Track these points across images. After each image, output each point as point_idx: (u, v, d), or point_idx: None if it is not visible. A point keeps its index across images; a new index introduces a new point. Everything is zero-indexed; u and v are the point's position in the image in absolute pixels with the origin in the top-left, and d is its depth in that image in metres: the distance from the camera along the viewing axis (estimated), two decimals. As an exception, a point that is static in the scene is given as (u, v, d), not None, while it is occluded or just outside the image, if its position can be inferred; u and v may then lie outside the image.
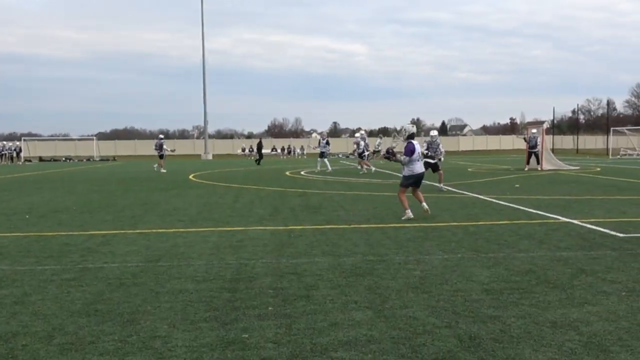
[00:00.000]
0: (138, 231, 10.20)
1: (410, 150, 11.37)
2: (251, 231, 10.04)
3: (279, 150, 73.89)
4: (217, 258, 7.76)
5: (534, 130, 30.25)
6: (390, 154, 12.00)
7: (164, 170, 31.30)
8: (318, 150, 31.02)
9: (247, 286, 6.26)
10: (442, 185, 17.79)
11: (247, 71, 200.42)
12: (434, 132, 18.90)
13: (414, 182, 11.65)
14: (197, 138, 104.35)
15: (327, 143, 30.76)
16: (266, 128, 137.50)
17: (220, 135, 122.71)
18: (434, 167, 17.69)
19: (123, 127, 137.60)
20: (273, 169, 34.59)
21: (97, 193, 18.50)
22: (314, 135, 30.00)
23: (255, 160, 44.33)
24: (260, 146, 46.08)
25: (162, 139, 33.01)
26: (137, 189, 20.06)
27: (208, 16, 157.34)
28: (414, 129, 11.85)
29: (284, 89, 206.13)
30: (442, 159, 18.49)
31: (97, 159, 66.33)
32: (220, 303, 5.63)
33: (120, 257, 7.88)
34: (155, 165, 33.15)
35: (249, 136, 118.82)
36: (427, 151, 17.59)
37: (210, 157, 66.49)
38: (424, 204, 11.72)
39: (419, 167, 11.62)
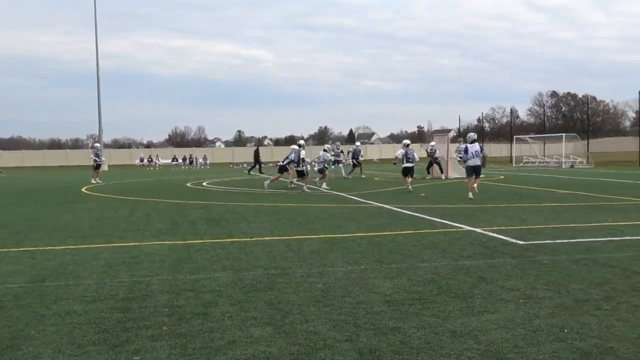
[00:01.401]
0: (23, 249, 9.78)
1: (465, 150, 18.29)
2: (147, 246, 9.84)
3: (180, 160, 72.76)
4: (109, 276, 7.55)
5: (433, 143, 31.54)
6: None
7: (100, 181, 30.55)
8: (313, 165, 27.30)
9: (141, 305, 6.13)
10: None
11: (148, 77, 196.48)
12: (407, 141, 22.98)
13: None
14: (92, 147, 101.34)
15: (342, 151, 32.46)
16: (167, 137, 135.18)
17: (117, 145, 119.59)
18: (409, 172, 21.60)
19: (9, 136, 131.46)
20: (173, 180, 34.04)
21: (-22, 208, 17.60)
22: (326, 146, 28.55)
23: (250, 170, 42.81)
24: (257, 153, 43.80)
25: (97, 148, 32.26)
26: (24, 204, 19.25)
27: (105, 19, 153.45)
28: (473, 136, 18.53)
29: (187, 96, 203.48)
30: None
31: (-21, 171, 63.07)
32: (110, 324, 5.48)
33: (1, 278, 7.54)
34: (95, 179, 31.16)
35: (149, 145, 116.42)
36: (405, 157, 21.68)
37: (105, 167, 64.66)
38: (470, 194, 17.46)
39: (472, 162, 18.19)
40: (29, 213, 15.92)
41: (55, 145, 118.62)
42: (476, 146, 18.37)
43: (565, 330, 5.10)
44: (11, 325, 5.50)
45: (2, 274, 7.82)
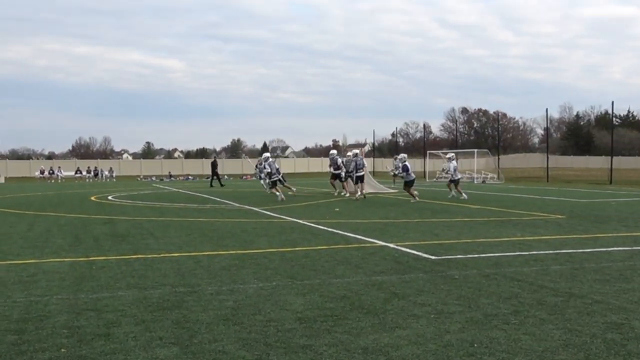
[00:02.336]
0: None
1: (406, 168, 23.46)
2: (46, 264, 9.48)
3: (84, 173, 70.63)
4: (3, 296, 7.22)
5: (349, 153, 31.84)
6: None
7: None
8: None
9: (38, 326, 5.89)
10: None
11: (50, 85, 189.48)
12: (404, 155, 26.02)
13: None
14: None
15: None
16: (70, 148, 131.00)
17: (16, 156, 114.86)
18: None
19: None
20: (77, 194, 33.00)
21: None
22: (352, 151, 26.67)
23: (212, 182, 41.68)
24: (214, 165, 43.02)
25: None
26: None
27: (3, 22, 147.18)
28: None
29: (92, 106, 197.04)
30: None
31: None
32: (3, 348, 5.24)
33: None
34: None
35: (50, 156, 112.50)
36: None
37: (1, 180, 62.08)
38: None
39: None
40: None
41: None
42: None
43: (475, 345, 5.24)
44: None
45: None
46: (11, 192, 35.11)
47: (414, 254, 10.30)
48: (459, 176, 26.54)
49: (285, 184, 26.82)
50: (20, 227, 15.07)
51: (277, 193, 24.38)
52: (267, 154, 26.71)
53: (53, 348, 5.22)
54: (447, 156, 26.90)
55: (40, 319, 6.17)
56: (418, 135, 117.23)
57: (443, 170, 33.01)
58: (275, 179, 24.91)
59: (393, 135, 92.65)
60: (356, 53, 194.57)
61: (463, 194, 25.01)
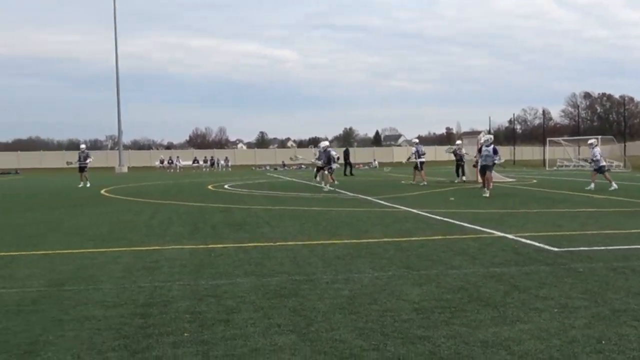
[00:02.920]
0: (40, 252, 9.90)
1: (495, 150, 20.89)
2: (168, 251, 9.91)
3: (201, 162, 73.15)
4: (129, 281, 7.61)
5: (459, 142, 31.34)
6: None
7: (89, 184, 30.64)
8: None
9: (162, 311, 6.17)
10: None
11: (168, 77, 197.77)
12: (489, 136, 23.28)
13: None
14: (111, 149, 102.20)
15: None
16: (187, 138, 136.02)
17: (137, 146, 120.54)
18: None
19: (27, 137, 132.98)
20: (194, 183, 34.24)
21: (-4, 210, 17.86)
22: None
23: (345, 171, 42.40)
24: (347, 155, 44.20)
25: (84, 150, 32.14)
26: (42, 205, 19.49)
27: (123, 17, 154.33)
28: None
29: (207, 97, 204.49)
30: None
31: (-3, 172, 64.03)
32: (131, 330, 5.52)
33: (19, 282, 7.63)
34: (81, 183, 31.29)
35: (169, 147, 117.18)
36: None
37: (125, 169, 65.31)
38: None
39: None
40: (45, 215, 16.12)
41: (73, 146, 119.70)
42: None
43: (603, 342, 5.03)
44: (29, 330, 5.56)
45: (19, 277, 7.92)
46: (134, 181, 36.89)
47: (534, 245, 10.00)
48: (604, 163, 25.00)
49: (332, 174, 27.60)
50: (143, 215, 15.81)
51: (330, 181, 26.01)
52: (326, 142, 28.11)
53: (177, 332, 5.45)
54: (589, 142, 25.56)
55: (164, 304, 6.45)
56: (537, 122, 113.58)
57: (586, 159, 31.62)
58: (334, 166, 27.06)
59: (510, 122, 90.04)
60: (470, 38, 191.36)
61: (613, 184, 22.83)
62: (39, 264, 8.88)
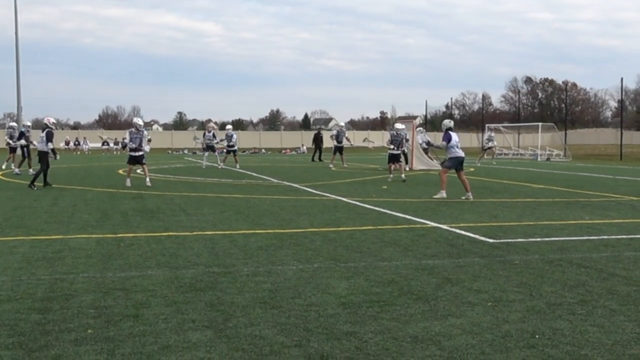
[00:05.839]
0: None
1: (448, 138, 16.53)
2: (72, 240, 9.70)
3: (111, 144, 71.71)
4: (27, 273, 7.42)
5: (399, 125, 31.88)
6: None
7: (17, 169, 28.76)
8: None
9: (63, 306, 6.05)
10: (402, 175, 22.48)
11: (76, 49, 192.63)
12: (400, 126, 24.24)
13: (459, 163, 16.64)
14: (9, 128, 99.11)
15: (214, 136, 31.74)
16: (97, 118, 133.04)
17: (39, 126, 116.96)
18: (396, 158, 22.99)
19: None
20: (103, 167, 33.58)
21: None
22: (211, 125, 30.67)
23: (313, 157, 41.98)
24: (318, 138, 43.18)
25: (14, 128, 30.68)
26: None
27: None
28: (451, 124, 17.12)
29: (120, 73, 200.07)
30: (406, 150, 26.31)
31: None
32: (27, 327, 5.39)
33: None
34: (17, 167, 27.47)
35: (76, 127, 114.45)
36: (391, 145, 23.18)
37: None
38: (469, 194, 16.19)
39: (460, 152, 16.72)
40: None
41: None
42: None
43: (537, 336, 5.21)
44: None
45: None
46: (35, 164, 35.85)
47: (469, 236, 10.24)
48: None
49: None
50: (44, 201, 15.41)
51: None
52: (140, 120, 26.02)
53: (79, 329, 5.35)
54: (418, 128, 29.47)
55: (66, 298, 6.32)
56: (476, 107, 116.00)
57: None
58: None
59: (447, 107, 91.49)
60: (408, 16, 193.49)
61: (402, 176, 22.78)
62: None
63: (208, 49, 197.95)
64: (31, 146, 25.26)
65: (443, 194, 16.38)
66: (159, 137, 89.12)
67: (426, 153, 31.36)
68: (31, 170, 24.39)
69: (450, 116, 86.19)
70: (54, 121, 22.70)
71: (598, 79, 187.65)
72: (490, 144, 41.21)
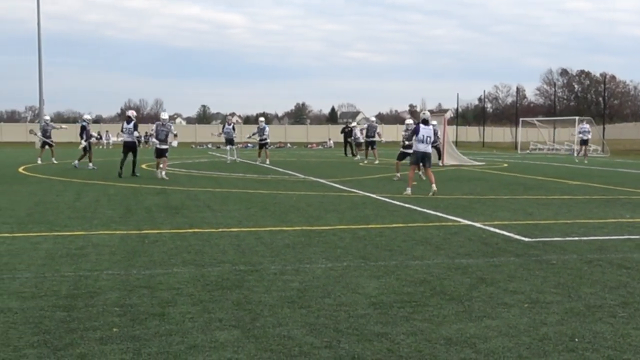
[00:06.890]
0: (-52, 237, 9.69)
1: (415, 131, 16.66)
2: (95, 236, 9.79)
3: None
4: (51, 269, 7.50)
5: (409, 121, 31.96)
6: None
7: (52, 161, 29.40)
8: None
9: (88, 303, 6.10)
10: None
11: (99, 42, 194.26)
12: (409, 121, 22.94)
13: (418, 158, 16.77)
14: (31, 122, 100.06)
15: (234, 128, 32.38)
16: (119, 111, 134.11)
17: (61, 119, 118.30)
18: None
19: None
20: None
21: None
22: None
23: (346, 151, 41.46)
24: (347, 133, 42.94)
25: (46, 121, 30.98)
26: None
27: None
28: (425, 115, 17.13)
29: (143, 65, 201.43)
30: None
31: None
32: (52, 324, 5.45)
33: None
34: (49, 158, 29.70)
35: (98, 120, 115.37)
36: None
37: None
38: (433, 185, 16.23)
39: (422, 147, 16.54)
40: (-44, 195, 15.74)
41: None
42: (430, 129, 16.98)
43: (576, 340, 5.16)
44: None
45: None
46: (57, 158, 36.19)
47: (504, 234, 10.18)
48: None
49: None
50: (67, 195, 15.56)
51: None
52: (166, 115, 24.45)
53: (104, 327, 5.40)
54: (407, 122, 26.37)
55: (91, 296, 6.38)
56: (509, 100, 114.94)
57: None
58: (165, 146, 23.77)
59: (480, 100, 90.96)
60: (439, 6, 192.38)
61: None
62: (-55, 249, 8.69)
63: (232, 40, 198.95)
64: (91, 140, 27.14)
65: (408, 190, 16.42)
66: (183, 131, 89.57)
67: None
68: (90, 164, 26.08)
69: (483, 110, 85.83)
70: (89, 117, 23.47)
71: (638, 70, 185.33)
72: (584, 137, 37.45)
